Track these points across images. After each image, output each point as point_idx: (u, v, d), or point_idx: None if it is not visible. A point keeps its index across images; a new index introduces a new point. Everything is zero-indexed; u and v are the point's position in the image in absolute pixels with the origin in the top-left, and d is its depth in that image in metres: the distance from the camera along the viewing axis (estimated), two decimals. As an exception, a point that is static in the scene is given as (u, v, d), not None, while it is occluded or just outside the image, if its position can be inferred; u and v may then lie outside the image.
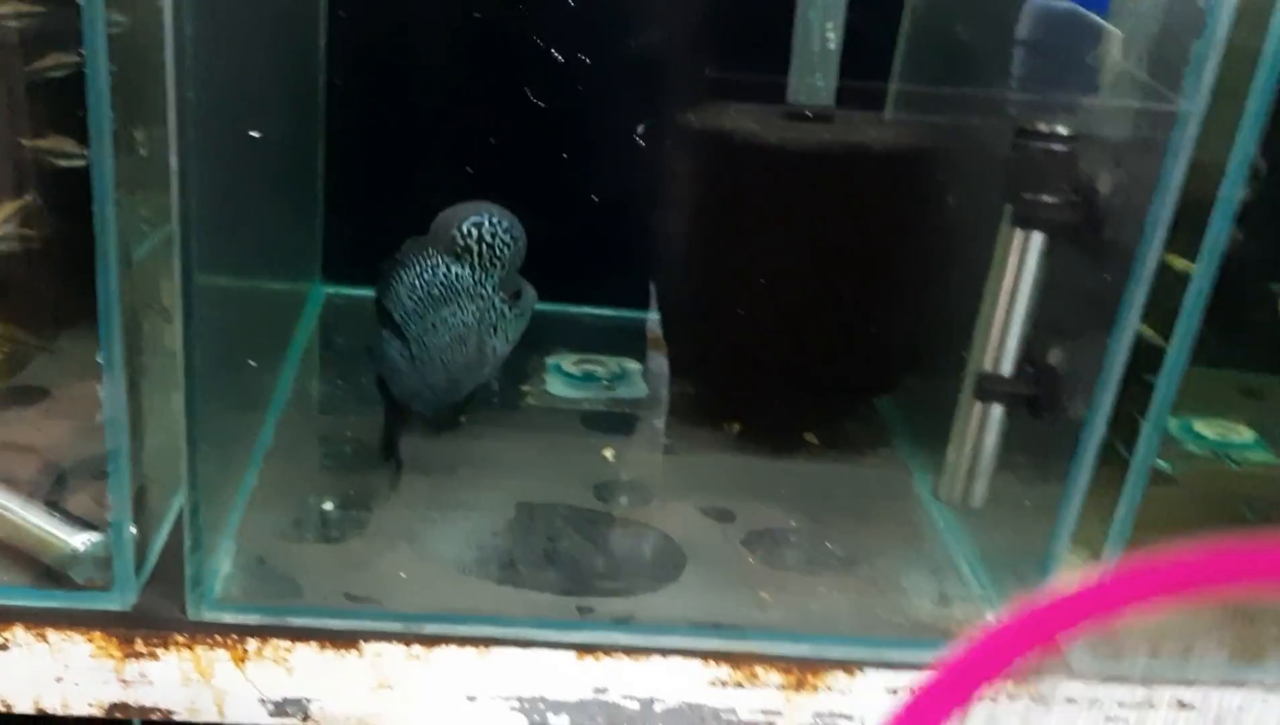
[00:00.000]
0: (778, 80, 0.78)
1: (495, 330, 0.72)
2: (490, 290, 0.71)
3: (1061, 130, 0.52)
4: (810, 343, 0.76)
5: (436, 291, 0.70)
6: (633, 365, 0.85)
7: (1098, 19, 0.52)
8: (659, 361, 0.86)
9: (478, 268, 0.71)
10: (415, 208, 0.87)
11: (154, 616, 0.57)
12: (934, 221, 0.74)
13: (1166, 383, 0.54)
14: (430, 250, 0.71)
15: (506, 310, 0.72)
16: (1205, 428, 0.79)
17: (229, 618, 0.57)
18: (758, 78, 0.78)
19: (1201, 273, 0.52)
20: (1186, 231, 0.52)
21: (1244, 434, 0.79)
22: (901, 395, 0.80)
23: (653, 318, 0.88)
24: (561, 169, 0.84)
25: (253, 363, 0.69)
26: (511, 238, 0.71)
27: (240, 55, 0.61)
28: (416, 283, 0.70)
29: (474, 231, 0.71)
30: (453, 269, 0.70)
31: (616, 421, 0.78)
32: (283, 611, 0.57)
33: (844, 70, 0.79)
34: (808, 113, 0.76)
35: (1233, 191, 0.50)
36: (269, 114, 0.68)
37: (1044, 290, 0.56)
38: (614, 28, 0.82)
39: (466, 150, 0.86)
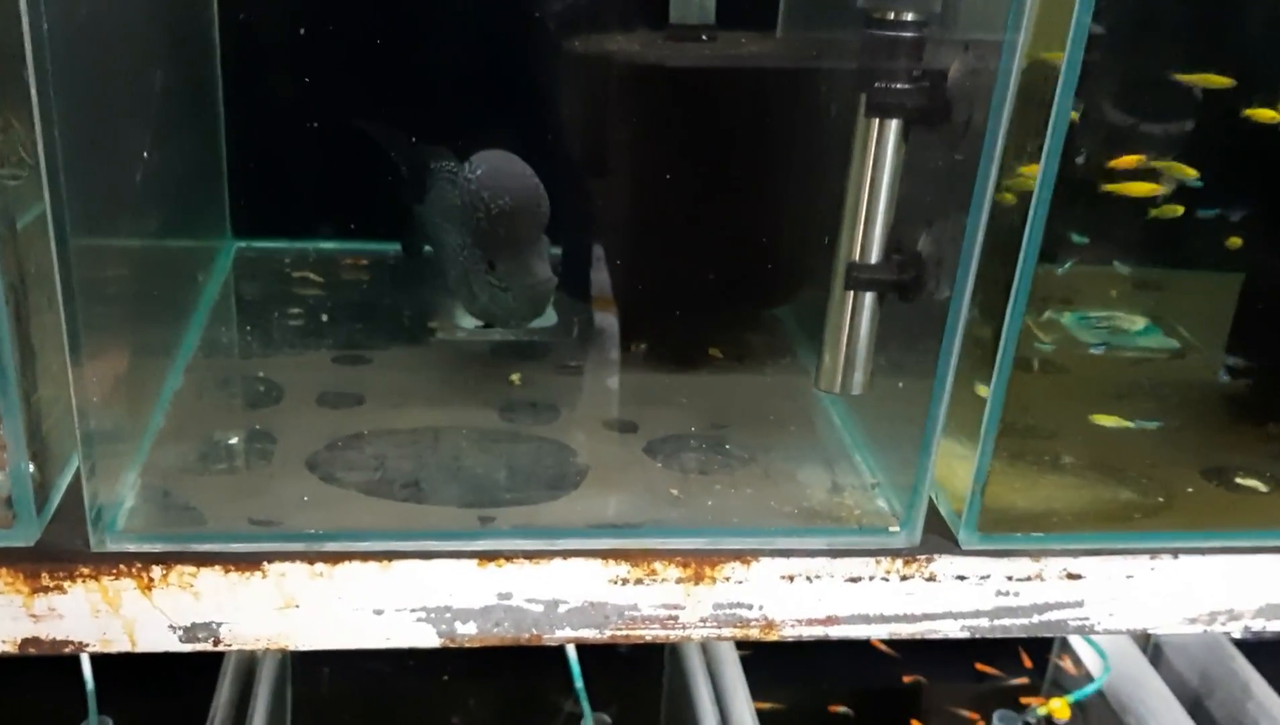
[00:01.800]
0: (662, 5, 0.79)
1: (477, 280, 0.71)
2: (462, 241, 0.71)
3: (908, 16, 0.54)
4: (710, 260, 0.77)
5: (446, 200, 0.73)
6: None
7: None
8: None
9: (467, 213, 0.69)
10: (322, 162, 0.88)
11: (58, 550, 0.58)
12: (819, 131, 0.76)
13: (1026, 261, 0.56)
14: (450, 161, 0.74)
15: (482, 273, 0.70)
16: (1099, 319, 0.82)
17: (132, 547, 0.58)
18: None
19: (1051, 148, 0.53)
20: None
21: (1137, 323, 0.82)
22: (802, 304, 0.82)
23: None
24: (459, 106, 0.85)
25: (149, 313, 0.70)
26: (486, 211, 0.68)
27: (115, 8, 0.61)
28: (439, 175, 0.75)
29: (464, 180, 0.69)
30: (455, 190, 0.70)
31: (525, 350, 0.80)
32: (186, 538, 0.59)
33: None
34: (703, 36, 0.77)
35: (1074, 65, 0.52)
36: (154, 68, 0.69)
37: (904, 177, 0.58)
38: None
39: (369, 95, 0.87)
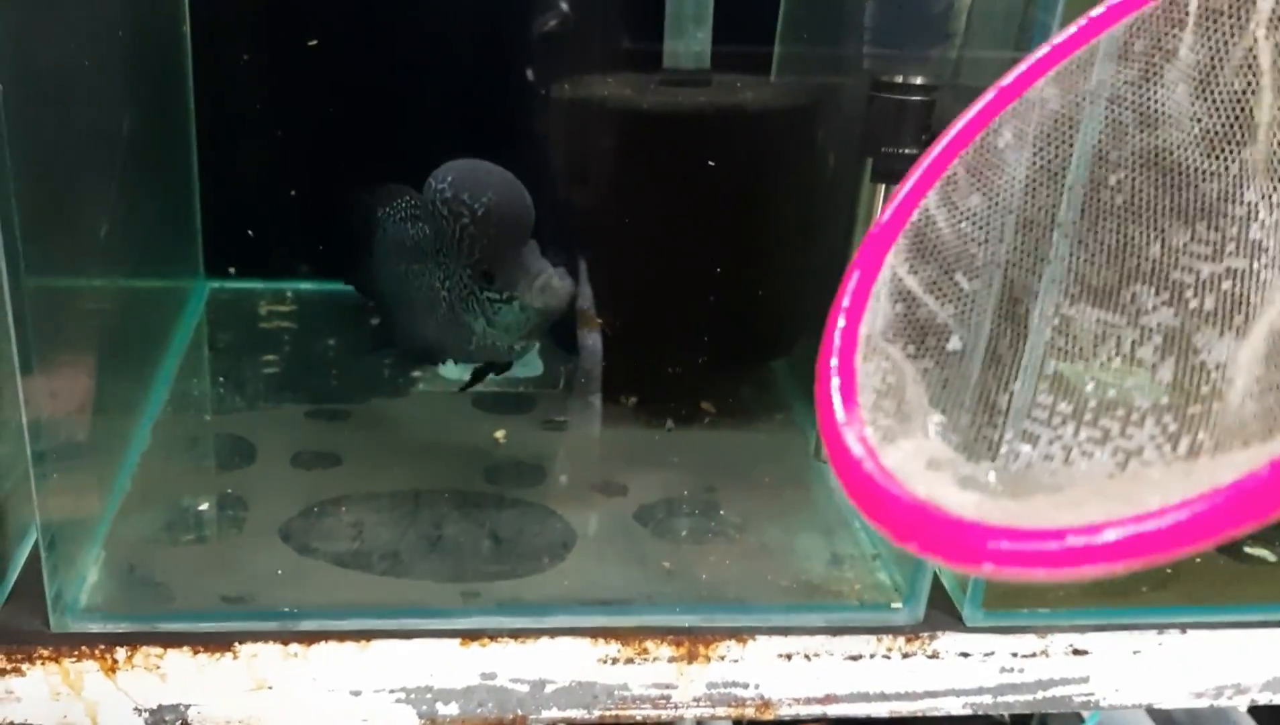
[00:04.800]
0: (655, 48, 0.77)
1: (470, 308, 0.64)
2: (457, 263, 0.63)
3: (916, 80, 0.52)
4: (703, 310, 0.75)
5: (406, 241, 0.65)
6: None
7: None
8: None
9: (444, 233, 0.63)
10: (298, 199, 0.85)
11: (16, 631, 0.55)
12: (818, 181, 0.73)
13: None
14: (409, 196, 0.66)
15: (478, 290, 0.63)
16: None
17: (95, 627, 0.55)
18: (635, 45, 0.77)
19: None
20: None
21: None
22: (797, 358, 0.80)
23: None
24: (443, 149, 0.82)
25: (113, 366, 0.66)
26: (470, 214, 0.62)
27: (78, 48, 0.58)
28: (388, 224, 0.67)
29: (432, 198, 0.62)
30: (421, 225, 0.64)
31: (510, 402, 0.77)
32: (152, 618, 0.56)
33: (730, 33, 0.78)
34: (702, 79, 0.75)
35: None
36: (120, 108, 0.66)
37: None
38: (489, 6, 0.80)
39: (349, 135, 0.84)
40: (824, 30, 0.72)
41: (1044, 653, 0.61)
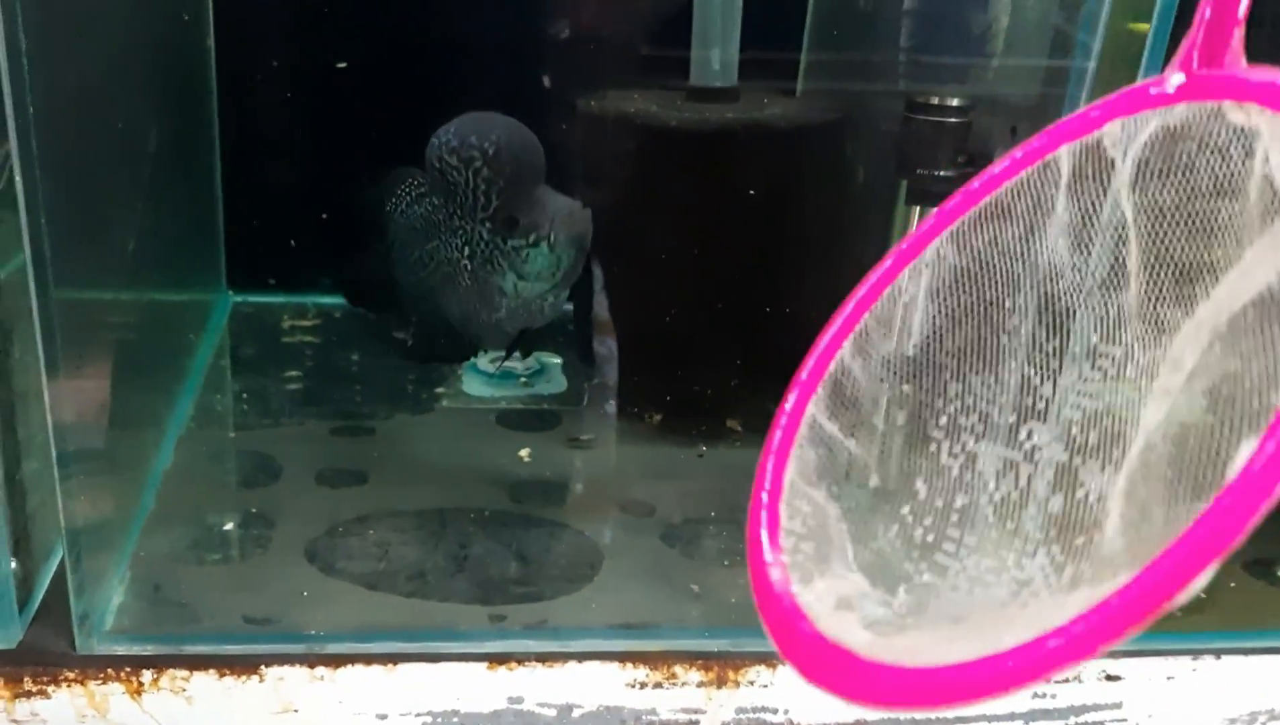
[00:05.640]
0: (683, 60, 0.76)
1: (496, 266, 0.61)
2: (475, 221, 0.61)
3: (952, 101, 0.51)
4: (729, 325, 0.74)
5: (417, 223, 0.63)
6: (552, 360, 0.84)
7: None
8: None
9: (458, 195, 0.60)
10: (319, 215, 0.85)
11: (42, 653, 0.54)
12: (847, 197, 0.73)
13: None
14: (412, 178, 0.64)
15: (501, 242, 0.60)
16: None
17: (121, 649, 0.55)
18: (663, 59, 0.77)
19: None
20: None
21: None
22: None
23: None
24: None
25: (137, 381, 0.66)
26: (482, 155, 0.59)
27: (105, 65, 0.58)
28: (396, 214, 0.64)
29: (438, 154, 0.60)
30: (429, 199, 0.62)
31: (534, 419, 0.76)
32: (178, 639, 0.55)
33: (758, 45, 0.77)
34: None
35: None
36: (146, 123, 0.65)
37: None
38: (516, 17, 0.80)
39: (372, 147, 0.84)
40: (852, 46, 0.72)
41: (1076, 678, 0.60)
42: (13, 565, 0.54)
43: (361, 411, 0.75)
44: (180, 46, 0.76)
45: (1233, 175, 0.31)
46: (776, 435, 0.39)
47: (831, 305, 0.74)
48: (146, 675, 0.54)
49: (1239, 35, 0.32)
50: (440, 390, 0.79)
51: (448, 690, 0.56)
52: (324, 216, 0.81)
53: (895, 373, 0.39)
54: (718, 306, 0.74)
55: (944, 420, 0.39)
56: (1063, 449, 0.36)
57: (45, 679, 0.54)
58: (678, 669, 0.57)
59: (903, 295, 0.39)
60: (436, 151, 0.60)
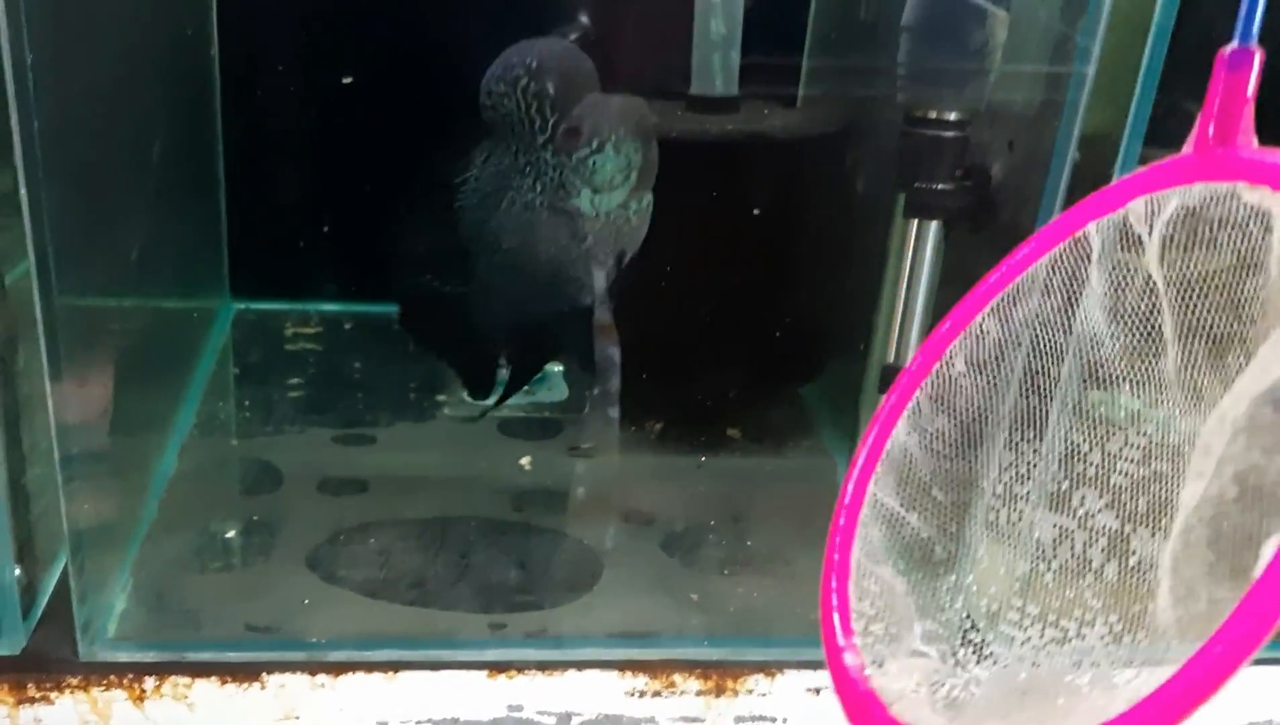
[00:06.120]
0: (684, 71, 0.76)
1: (569, 186, 0.59)
2: (536, 146, 0.59)
3: (950, 116, 0.51)
4: (730, 335, 0.75)
5: (487, 187, 0.62)
6: (554, 367, 0.84)
7: (982, 1, 0.51)
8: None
9: (515, 127, 0.59)
10: (323, 222, 0.86)
11: (46, 659, 0.55)
12: (847, 208, 0.73)
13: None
14: (475, 145, 0.63)
15: (567, 159, 0.59)
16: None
17: (124, 656, 0.55)
18: (663, 68, 0.77)
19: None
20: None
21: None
22: (825, 383, 0.79)
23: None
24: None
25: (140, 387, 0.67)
26: (527, 71, 0.58)
27: (109, 75, 0.59)
28: (468, 190, 0.63)
29: (487, 91, 0.59)
30: (490, 159, 0.61)
31: (535, 427, 0.77)
32: (180, 646, 0.56)
33: (759, 53, 0.78)
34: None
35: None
36: (150, 131, 0.66)
37: (945, 276, 0.55)
38: (519, 29, 0.80)
39: (375, 157, 0.84)
40: (853, 56, 0.72)
41: (1075, 688, 0.60)
42: (17, 572, 0.54)
43: (364, 419, 0.75)
44: (184, 56, 0.76)
45: (1254, 250, 0.32)
46: (841, 517, 0.41)
47: (832, 315, 0.74)
48: (149, 682, 0.54)
49: (1249, 113, 0.33)
50: (442, 398, 0.79)
51: (448, 698, 0.56)
52: (321, 221, 0.81)
53: (950, 444, 0.41)
54: (719, 316, 0.74)
55: (1000, 488, 0.40)
56: (1114, 516, 0.38)
57: (49, 685, 0.54)
58: (677, 677, 0.57)
59: (951, 369, 0.40)
60: (486, 90, 0.60)
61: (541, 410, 0.79)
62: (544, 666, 0.57)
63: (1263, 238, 0.32)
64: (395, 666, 0.56)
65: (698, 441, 0.75)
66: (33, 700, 0.54)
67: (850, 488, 0.41)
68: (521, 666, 0.56)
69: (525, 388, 0.81)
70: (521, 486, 0.70)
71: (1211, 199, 0.33)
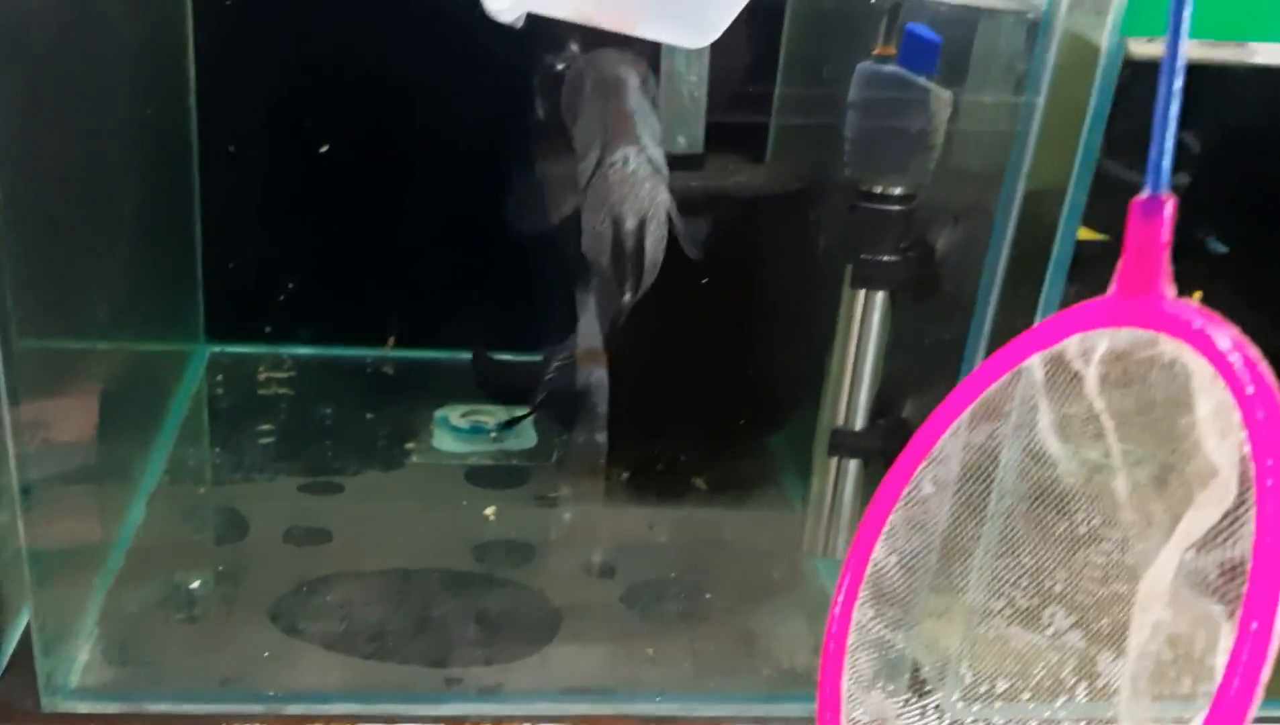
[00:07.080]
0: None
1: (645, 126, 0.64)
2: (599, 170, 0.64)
3: (895, 191, 0.53)
4: (698, 386, 0.76)
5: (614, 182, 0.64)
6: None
7: (925, 82, 0.52)
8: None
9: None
10: (299, 265, 0.87)
11: (9, 709, 0.56)
12: (810, 262, 0.74)
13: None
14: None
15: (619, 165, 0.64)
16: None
17: (85, 708, 0.56)
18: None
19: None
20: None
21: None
22: (792, 432, 0.80)
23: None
24: (446, 225, 0.84)
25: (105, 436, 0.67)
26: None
27: (79, 136, 0.60)
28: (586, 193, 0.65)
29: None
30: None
31: (503, 476, 0.78)
32: (141, 697, 0.56)
33: (728, 111, 0.79)
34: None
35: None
36: (122, 185, 0.67)
37: (891, 344, 0.57)
38: (494, 89, 0.81)
39: (351, 202, 0.86)
40: (816, 117, 0.74)
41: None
42: (-20, 625, 0.55)
43: (332, 467, 0.76)
44: (161, 101, 0.77)
45: (1180, 392, 0.34)
46: (830, 646, 0.42)
47: (797, 366, 0.75)
48: (109, 734, 0.55)
49: (1167, 259, 0.34)
50: (410, 445, 0.80)
51: (404, 752, 0.57)
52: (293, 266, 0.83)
53: (926, 566, 0.42)
54: (685, 366, 0.75)
55: (976, 604, 0.42)
56: (1081, 636, 0.39)
57: (10, 737, 0.55)
58: (630, 733, 0.58)
59: (919, 492, 0.42)
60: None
61: (510, 457, 0.80)
62: (498, 721, 0.57)
63: (1188, 381, 0.33)
64: (353, 719, 0.57)
65: (664, 491, 0.77)
66: (-6, 751, 0.55)
67: (837, 612, 0.42)
68: (477, 720, 0.57)
69: (493, 435, 0.82)
70: (485, 537, 0.71)
71: (1137, 343, 0.35)
